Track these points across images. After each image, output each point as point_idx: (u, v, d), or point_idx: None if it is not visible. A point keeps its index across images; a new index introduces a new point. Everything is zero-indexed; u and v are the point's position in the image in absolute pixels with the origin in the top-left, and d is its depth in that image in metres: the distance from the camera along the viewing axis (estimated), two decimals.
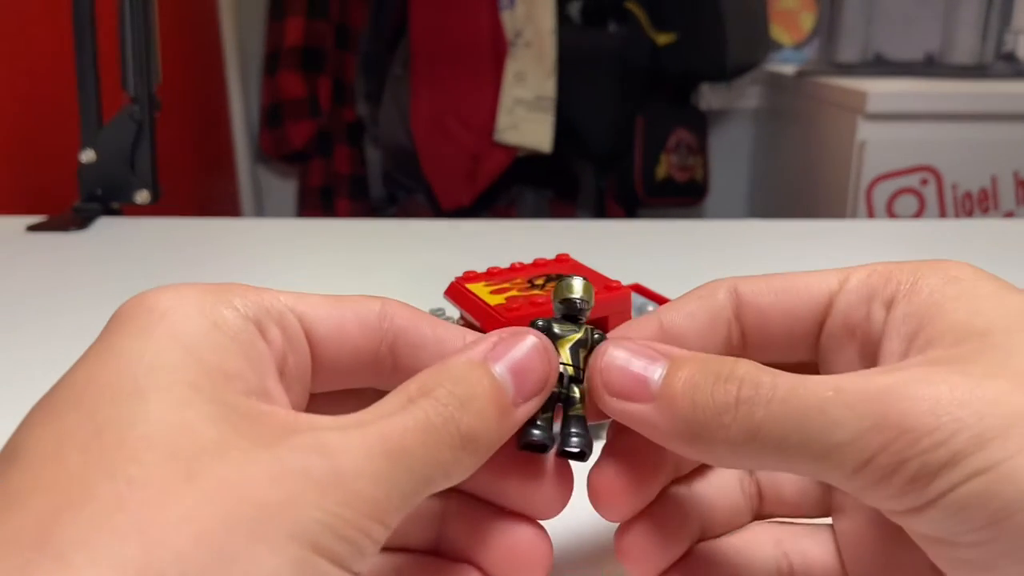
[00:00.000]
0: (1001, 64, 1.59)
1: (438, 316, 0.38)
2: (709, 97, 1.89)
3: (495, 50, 1.58)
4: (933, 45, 1.61)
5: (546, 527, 0.22)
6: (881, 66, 1.62)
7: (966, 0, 1.55)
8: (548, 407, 0.21)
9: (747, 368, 0.19)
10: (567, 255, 0.36)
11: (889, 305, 0.20)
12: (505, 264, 0.35)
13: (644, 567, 0.22)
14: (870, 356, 0.21)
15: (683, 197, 1.78)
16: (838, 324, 0.22)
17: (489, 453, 0.19)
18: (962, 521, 0.16)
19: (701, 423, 0.18)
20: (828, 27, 1.68)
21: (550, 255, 0.37)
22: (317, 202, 1.86)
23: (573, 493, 0.22)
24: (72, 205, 0.73)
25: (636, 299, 0.39)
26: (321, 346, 0.21)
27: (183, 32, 1.49)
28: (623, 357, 0.20)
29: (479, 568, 0.22)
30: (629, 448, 0.21)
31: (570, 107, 1.60)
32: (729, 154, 1.98)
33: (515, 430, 0.20)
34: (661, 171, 1.73)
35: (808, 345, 0.22)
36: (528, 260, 0.36)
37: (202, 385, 0.17)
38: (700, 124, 1.78)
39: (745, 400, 0.18)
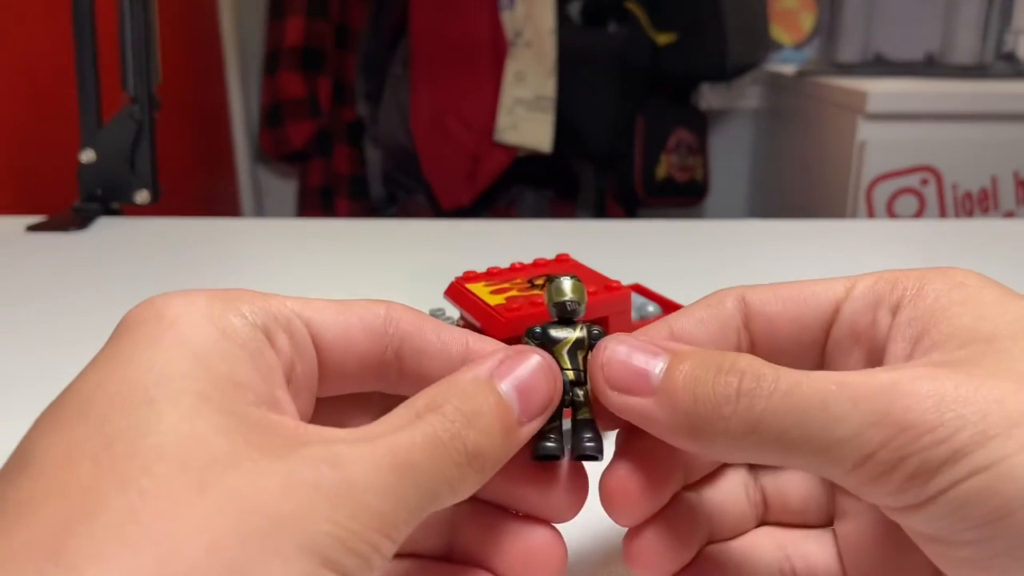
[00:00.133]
0: (1001, 64, 1.59)
1: (438, 316, 0.38)
2: (709, 97, 1.89)
3: (495, 50, 1.58)
4: (933, 45, 1.61)
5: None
6: (881, 66, 1.62)
7: (966, 0, 1.55)
8: (556, 415, 0.21)
9: (749, 362, 0.19)
10: (567, 255, 0.36)
11: (895, 310, 0.20)
12: (505, 264, 0.35)
13: (653, 572, 0.22)
14: (875, 361, 0.21)
15: (683, 197, 1.78)
16: (844, 331, 0.22)
17: (494, 470, 0.19)
18: (961, 518, 0.16)
19: (702, 416, 0.19)
20: (828, 27, 1.68)
21: (550, 255, 0.37)
22: (317, 202, 1.86)
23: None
24: (72, 205, 0.73)
25: (636, 299, 0.39)
26: (328, 351, 0.21)
27: (183, 32, 1.49)
28: (624, 352, 0.20)
29: (493, 572, 0.22)
30: (641, 452, 0.21)
31: (570, 107, 1.60)
32: (729, 154, 1.98)
33: (519, 448, 0.20)
34: (661, 171, 1.73)
35: (815, 353, 0.22)
36: (528, 260, 0.36)
37: (212, 395, 0.17)
38: (700, 124, 1.78)
39: (746, 392, 0.18)
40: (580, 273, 0.34)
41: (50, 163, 0.92)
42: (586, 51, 1.62)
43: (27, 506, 0.14)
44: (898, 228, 0.77)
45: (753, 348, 0.23)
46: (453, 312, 0.37)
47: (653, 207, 1.80)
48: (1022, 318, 0.19)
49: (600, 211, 1.80)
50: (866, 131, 1.42)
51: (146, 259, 0.63)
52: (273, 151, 1.84)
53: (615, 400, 0.20)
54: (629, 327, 0.31)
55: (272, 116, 1.79)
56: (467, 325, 0.35)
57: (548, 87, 1.57)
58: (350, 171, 1.85)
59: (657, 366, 0.20)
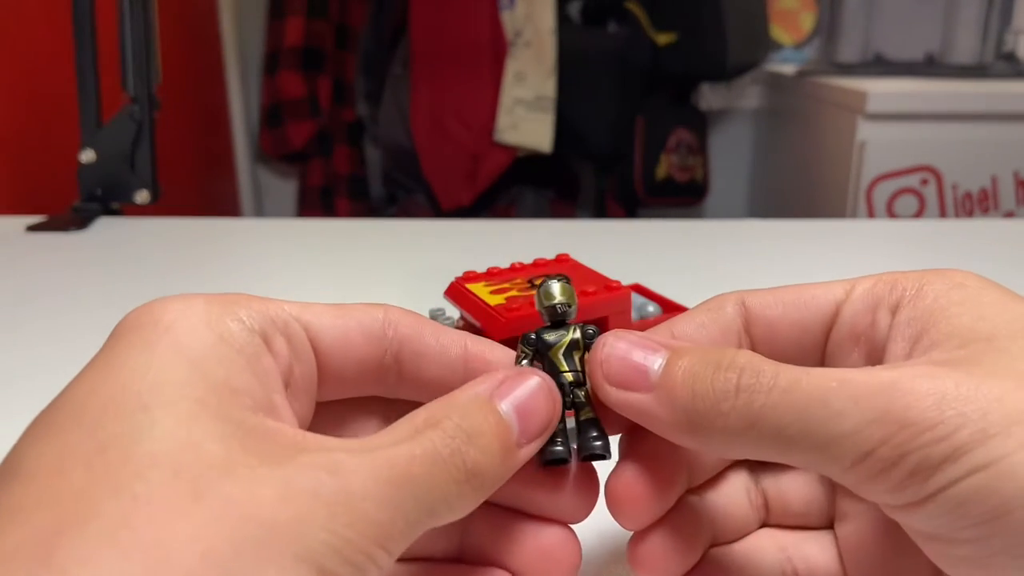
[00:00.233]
0: (1001, 64, 1.59)
1: (438, 316, 0.38)
2: (709, 97, 1.89)
3: (495, 50, 1.58)
4: (933, 45, 1.61)
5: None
6: (881, 66, 1.62)
7: (966, 0, 1.55)
8: (559, 419, 0.21)
9: (748, 357, 0.19)
10: (567, 255, 0.36)
11: (894, 311, 0.21)
12: (505, 264, 0.35)
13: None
14: (875, 361, 0.21)
15: (683, 197, 1.78)
16: (844, 332, 0.22)
17: (492, 491, 0.19)
18: (960, 516, 0.16)
19: (701, 412, 0.19)
20: (828, 27, 1.68)
21: (550, 255, 0.37)
22: (317, 202, 1.86)
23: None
24: (72, 205, 0.73)
25: (636, 299, 0.39)
26: (327, 355, 0.21)
27: (183, 32, 1.49)
28: (623, 348, 0.20)
29: (509, 571, 0.22)
30: (646, 456, 0.21)
31: (570, 107, 1.60)
32: (729, 154, 1.98)
33: (516, 470, 0.20)
34: (661, 171, 1.73)
35: (816, 355, 0.22)
36: (528, 260, 0.36)
37: (208, 401, 0.16)
38: (700, 124, 1.78)
39: (745, 388, 0.18)
40: (580, 273, 0.34)
41: (50, 163, 0.92)
42: (586, 51, 1.62)
43: (18, 511, 0.14)
44: (898, 228, 0.77)
45: (754, 351, 0.23)
46: (453, 312, 0.37)
47: (653, 207, 1.80)
48: (1021, 318, 0.19)
49: (600, 211, 1.80)
50: (866, 131, 1.42)
51: (146, 259, 0.63)
52: (273, 151, 1.84)
53: (614, 396, 0.20)
54: (629, 327, 0.31)
55: (272, 116, 1.79)
56: (467, 325, 0.35)
57: (548, 87, 1.57)
58: (350, 171, 1.85)
59: (656, 362, 0.20)
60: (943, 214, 1.47)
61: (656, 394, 0.19)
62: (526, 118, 1.59)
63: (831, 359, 0.22)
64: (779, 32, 1.92)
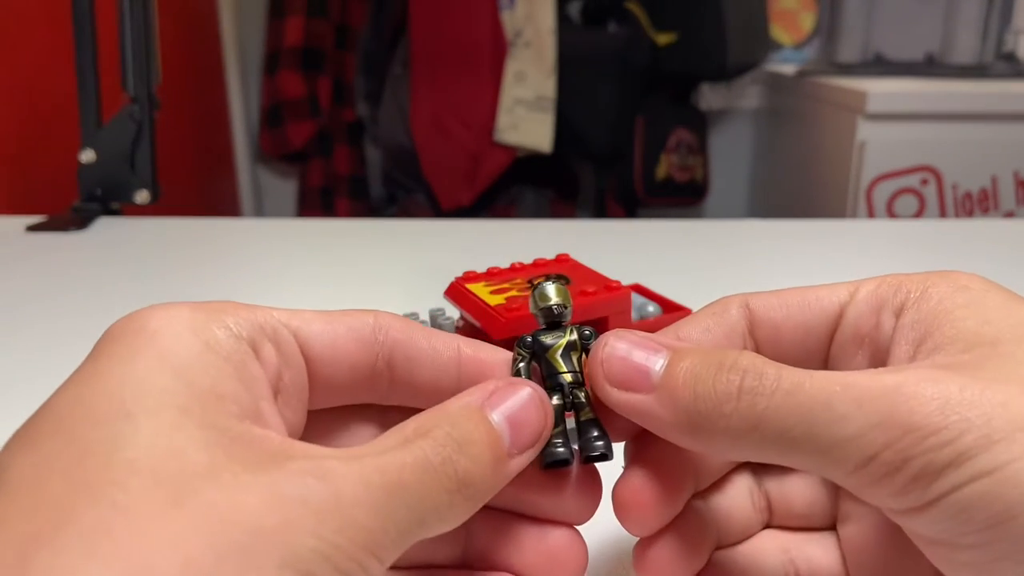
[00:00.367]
0: (1001, 64, 1.59)
1: (438, 316, 0.38)
2: (709, 97, 1.89)
3: (495, 50, 1.58)
4: (933, 45, 1.61)
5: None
6: (881, 66, 1.62)
7: (966, 0, 1.55)
8: (559, 420, 0.21)
9: (750, 359, 0.19)
10: (567, 255, 0.36)
11: (899, 313, 0.20)
12: (505, 264, 0.35)
13: None
14: (879, 364, 0.21)
15: (683, 197, 1.78)
16: (848, 334, 0.22)
17: (483, 501, 0.19)
18: (964, 522, 0.16)
19: (702, 413, 0.18)
20: (828, 27, 1.68)
21: (550, 255, 0.37)
22: (317, 202, 1.86)
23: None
24: (72, 205, 0.73)
25: (636, 299, 0.39)
26: (318, 362, 0.21)
27: (183, 32, 1.49)
28: (624, 348, 0.20)
29: (514, 575, 0.22)
30: (653, 461, 0.21)
31: (570, 107, 1.60)
32: (729, 154, 1.98)
33: (507, 482, 0.19)
34: (661, 171, 1.73)
35: (820, 357, 0.22)
36: (528, 260, 0.36)
37: (192, 409, 0.16)
38: (700, 124, 1.78)
39: (748, 390, 0.18)
40: (580, 273, 0.34)
41: (50, 163, 0.92)
42: (586, 51, 1.62)
43: None
44: (898, 228, 0.77)
45: (758, 354, 0.23)
46: (453, 312, 0.37)
47: (653, 207, 1.80)
48: None
49: (600, 211, 1.80)
50: (866, 131, 1.42)
51: (146, 259, 0.63)
52: (273, 151, 1.84)
53: (615, 397, 0.20)
54: (629, 327, 0.31)
55: (272, 116, 1.79)
56: (467, 325, 0.35)
57: (548, 87, 1.58)
58: (350, 171, 1.85)
59: (657, 363, 0.20)
60: (943, 214, 1.47)
61: (657, 395, 0.19)
62: (526, 118, 1.59)
63: (835, 361, 0.22)
64: (779, 32, 1.92)
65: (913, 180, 1.45)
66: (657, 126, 1.72)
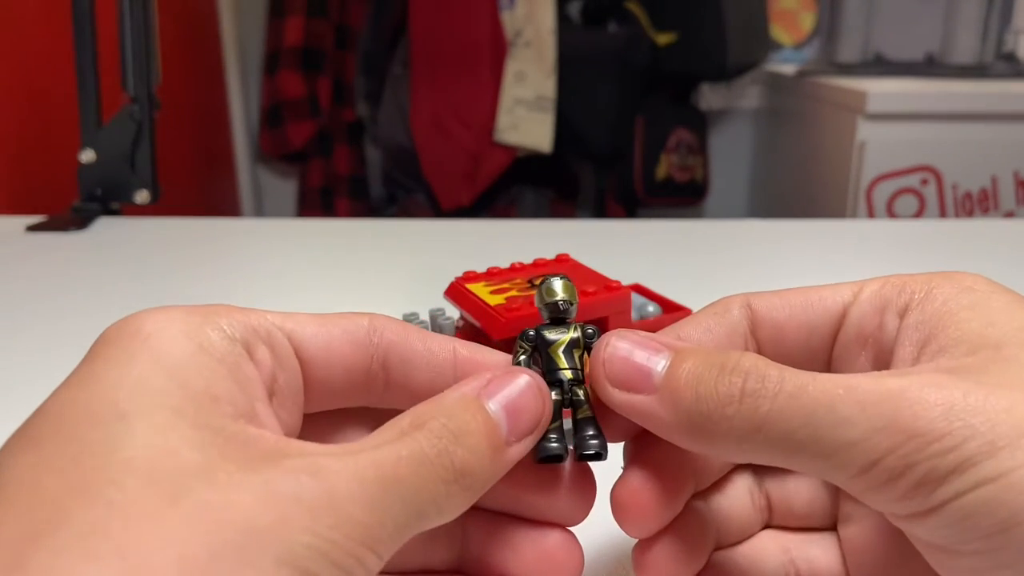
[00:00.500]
0: (1001, 64, 1.59)
1: (438, 316, 0.38)
2: (709, 97, 1.89)
3: (495, 50, 1.58)
4: (933, 45, 1.61)
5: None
6: (881, 66, 1.62)
7: (966, 0, 1.55)
8: (556, 415, 0.21)
9: (753, 361, 0.18)
10: (567, 255, 0.36)
11: (902, 314, 0.20)
12: (505, 264, 0.35)
13: None
14: (882, 364, 0.21)
15: (683, 197, 1.78)
16: (851, 335, 0.21)
17: (481, 491, 0.19)
18: (966, 529, 0.16)
19: (704, 415, 0.18)
20: (828, 27, 1.69)
21: (550, 255, 0.37)
22: (317, 202, 1.86)
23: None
24: (72, 205, 0.73)
25: (636, 299, 0.39)
26: (312, 365, 0.20)
27: (183, 32, 1.49)
28: (626, 348, 0.20)
29: None
30: (653, 462, 0.21)
31: (570, 107, 1.60)
32: (729, 154, 1.98)
33: (507, 470, 0.19)
34: (661, 171, 1.73)
35: (823, 358, 0.22)
36: (528, 260, 0.36)
37: (187, 409, 0.16)
38: (700, 124, 1.78)
39: (750, 393, 0.18)
40: (580, 273, 0.34)
41: (50, 163, 0.92)
42: (586, 51, 1.62)
43: None
44: (898, 228, 0.77)
45: (760, 354, 0.23)
46: (453, 312, 0.37)
47: (653, 207, 1.80)
48: None
49: (600, 211, 1.80)
50: (866, 131, 1.42)
51: (146, 259, 0.63)
52: (273, 151, 1.84)
53: (616, 397, 0.20)
54: (629, 327, 0.31)
55: (272, 116, 1.79)
56: (467, 325, 0.35)
57: (548, 87, 1.58)
58: (350, 171, 1.85)
59: (659, 363, 0.19)
60: (943, 214, 1.47)
61: (659, 396, 0.19)
62: (526, 118, 1.59)
63: (838, 362, 0.22)
64: (779, 32, 1.92)
65: (913, 180, 1.45)
66: (657, 126, 1.72)
